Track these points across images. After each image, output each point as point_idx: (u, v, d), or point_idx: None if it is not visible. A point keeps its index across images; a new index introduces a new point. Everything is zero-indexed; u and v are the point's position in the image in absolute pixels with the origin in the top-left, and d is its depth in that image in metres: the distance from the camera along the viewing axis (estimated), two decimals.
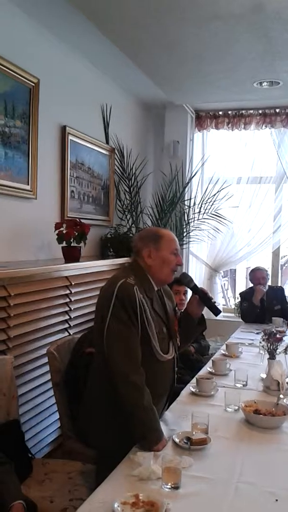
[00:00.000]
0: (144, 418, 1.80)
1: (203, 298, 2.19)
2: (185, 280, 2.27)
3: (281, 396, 2.21)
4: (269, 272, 5.48)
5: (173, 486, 1.51)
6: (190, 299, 2.28)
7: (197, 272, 5.59)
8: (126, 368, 1.82)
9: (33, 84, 3.28)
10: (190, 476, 1.59)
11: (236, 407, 2.17)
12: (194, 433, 1.85)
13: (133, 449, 1.77)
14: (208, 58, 3.80)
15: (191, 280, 2.26)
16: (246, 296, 4.51)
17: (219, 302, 5.57)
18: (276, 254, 5.55)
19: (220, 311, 2.23)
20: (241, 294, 4.69)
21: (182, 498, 1.48)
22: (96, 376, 2.00)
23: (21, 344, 2.70)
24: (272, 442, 1.90)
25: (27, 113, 3.26)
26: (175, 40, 3.49)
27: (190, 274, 5.36)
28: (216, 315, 2.21)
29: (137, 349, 1.87)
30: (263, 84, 4.34)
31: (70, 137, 3.82)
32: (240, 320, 4.61)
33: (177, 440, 1.82)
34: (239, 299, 4.72)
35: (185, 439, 1.81)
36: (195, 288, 2.23)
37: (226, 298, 6.56)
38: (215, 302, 2.24)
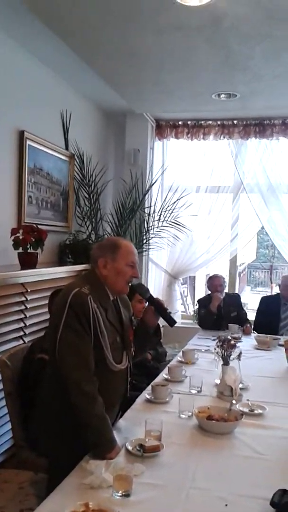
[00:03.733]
0: (97, 426, 1.79)
1: (159, 309, 2.20)
2: (141, 291, 2.27)
3: (234, 401, 2.24)
4: (227, 279, 5.59)
5: (124, 493, 1.50)
6: (145, 309, 2.27)
7: (156, 279, 5.62)
8: (79, 377, 1.80)
9: None
10: (142, 483, 1.59)
11: (190, 413, 2.19)
12: (147, 440, 1.85)
13: (85, 457, 1.75)
14: (168, 68, 3.86)
15: (147, 290, 2.26)
16: (203, 303, 4.56)
17: (178, 309, 5.62)
18: (233, 261, 5.66)
19: (175, 322, 2.24)
20: (199, 301, 4.74)
21: (133, 505, 1.47)
22: (49, 383, 1.97)
23: None
24: (225, 448, 1.93)
25: None
26: (135, 48, 3.52)
27: (149, 281, 5.46)
28: (171, 326, 2.22)
29: (90, 358, 1.86)
30: (221, 96, 4.44)
31: (28, 142, 3.77)
32: (198, 326, 4.66)
33: (130, 447, 1.81)
34: (197, 306, 4.77)
35: (138, 447, 1.81)
36: (150, 299, 2.22)
37: (185, 305, 6.63)
38: (170, 312, 2.25)
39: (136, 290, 2.33)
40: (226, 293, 4.60)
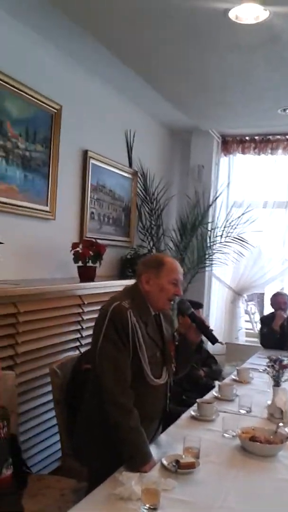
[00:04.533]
0: (131, 439, 1.81)
1: (200, 326, 2.18)
2: (183, 307, 2.27)
3: (281, 424, 2.16)
4: None
5: (151, 507, 1.50)
6: (188, 326, 2.26)
7: (219, 295, 5.55)
8: (114, 389, 1.84)
9: (55, 110, 3.42)
10: (172, 498, 1.58)
11: (234, 433, 2.14)
12: (183, 456, 1.84)
13: (120, 469, 1.77)
14: (230, 86, 3.87)
15: (189, 307, 2.25)
16: (266, 321, 4.44)
17: (241, 326, 5.50)
18: None
19: (217, 340, 2.21)
20: (261, 319, 4.63)
21: None
22: (90, 394, 2.03)
23: (28, 361, 2.76)
24: (265, 471, 1.86)
25: (49, 138, 3.40)
26: (195, 68, 3.58)
27: (212, 297, 5.40)
28: (213, 343, 2.20)
29: (127, 371, 1.89)
30: (287, 111, 4.35)
31: (92, 161, 3.94)
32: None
33: (165, 462, 1.81)
34: (260, 324, 4.65)
35: (173, 462, 1.80)
36: (192, 316, 2.22)
37: (252, 322, 6.46)
38: (212, 330, 2.23)
39: (196, 304, 2.33)
40: None
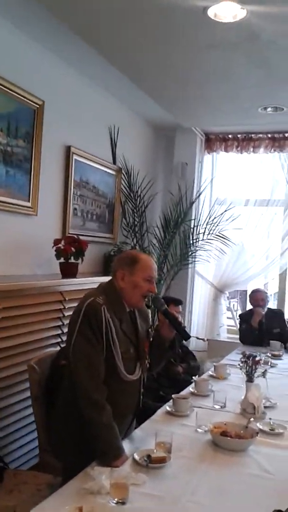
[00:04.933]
0: (103, 434, 1.85)
1: (173, 322, 2.22)
2: (157, 304, 2.31)
3: (252, 419, 2.21)
4: (276, 295, 5.47)
5: (119, 501, 1.54)
6: (161, 322, 2.30)
7: (202, 292, 5.61)
8: (88, 385, 1.88)
9: (38, 106, 3.42)
10: (141, 493, 1.63)
11: (207, 428, 2.19)
12: (155, 451, 1.88)
13: (92, 464, 1.81)
14: (209, 84, 3.89)
15: (163, 304, 2.28)
16: (245, 317, 4.51)
17: (223, 323, 5.57)
18: (283, 276, 5.52)
19: (189, 336, 2.25)
20: (240, 315, 4.70)
21: None
22: (66, 390, 2.06)
23: (8, 357, 2.77)
24: (235, 465, 1.91)
25: (31, 133, 3.40)
26: (176, 65, 3.59)
27: (195, 293, 5.45)
28: (185, 340, 2.24)
29: (100, 367, 1.93)
30: (267, 110, 4.40)
31: (75, 157, 3.95)
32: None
33: (137, 457, 1.85)
34: (239, 320, 4.71)
35: (145, 457, 1.84)
36: (166, 312, 2.24)
37: (234, 319, 6.54)
38: (184, 327, 2.26)
39: (176, 300, 2.35)
40: (269, 308, 4.52)
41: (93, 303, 1.97)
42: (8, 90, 3.12)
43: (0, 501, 1.96)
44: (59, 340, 3.33)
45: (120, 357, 1.99)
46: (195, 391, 2.79)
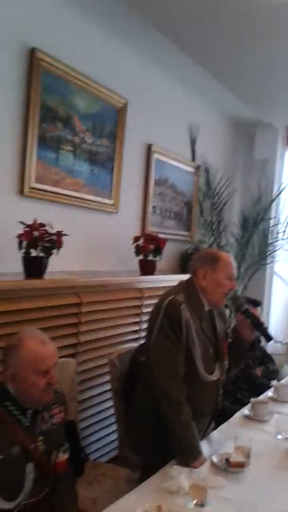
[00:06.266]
0: (182, 433, 1.86)
1: (255, 323, 2.18)
2: (238, 303, 2.28)
3: None
4: None
5: (198, 503, 1.55)
6: (241, 322, 2.26)
7: (281, 293, 5.44)
8: (167, 383, 1.89)
9: (121, 105, 3.49)
10: (220, 496, 1.62)
11: (287, 435, 2.13)
12: (234, 455, 1.86)
13: (171, 462, 1.83)
14: None
15: (243, 303, 2.26)
16: None
17: None
18: None
19: (271, 338, 2.20)
20: None
21: None
22: (143, 386, 2.09)
23: (89, 350, 2.87)
24: None
25: (114, 132, 3.47)
26: (259, 59, 3.51)
27: (272, 294, 5.30)
28: (268, 341, 2.19)
29: (179, 365, 1.93)
30: None
31: (155, 155, 3.98)
32: None
33: (215, 460, 1.85)
34: None
35: (224, 460, 1.83)
36: (247, 312, 2.21)
37: None
38: (267, 328, 2.22)
39: (254, 301, 2.33)
40: None
41: (174, 301, 1.98)
42: (95, 90, 3.21)
43: (81, 492, 2.03)
44: (137, 336, 3.39)
45: (199, 357, 1.99)
46: (275, 396, 2.72)
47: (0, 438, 1.52)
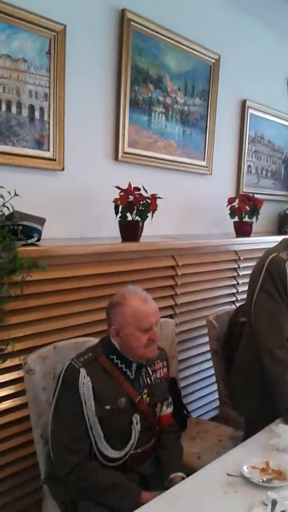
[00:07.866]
0: (287, 392, 1.81)
1: None
2: None
3: None
4: None
5: None
6: None
7: None
8: (271, 342, 1.84)
9: (214, 61, 3.36)
10: None
11: None
12: None
13: (277, 421, 1.80)
14: None
15: None
16: None
17: None
18: None
19: None
20: None
21: None
22: (245, 346, 2.06)
23: (186, 312, 2.89)
24: None
25: (207, 90, 3.36)
26: None
27: None
28: None
29: (283, 323, 1.86)
30: None
31: (250, 111, 3.81)
32: None
33: None
34: None
35: None
36: None
37: None
38: None
39: None
40: None
41: (276, 259, 1.90)
42: (186, 48, 3.11)
43: (185, 447, 2.07)
44: (234, 299, 3.35)
45: None
46: None
47: (108, 389, 1.59)
